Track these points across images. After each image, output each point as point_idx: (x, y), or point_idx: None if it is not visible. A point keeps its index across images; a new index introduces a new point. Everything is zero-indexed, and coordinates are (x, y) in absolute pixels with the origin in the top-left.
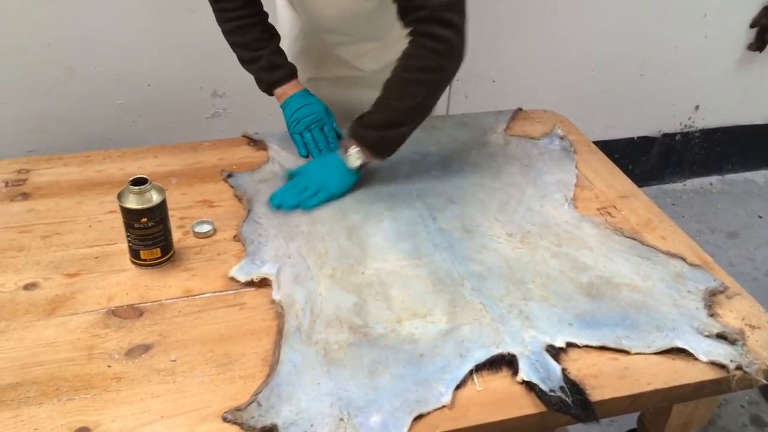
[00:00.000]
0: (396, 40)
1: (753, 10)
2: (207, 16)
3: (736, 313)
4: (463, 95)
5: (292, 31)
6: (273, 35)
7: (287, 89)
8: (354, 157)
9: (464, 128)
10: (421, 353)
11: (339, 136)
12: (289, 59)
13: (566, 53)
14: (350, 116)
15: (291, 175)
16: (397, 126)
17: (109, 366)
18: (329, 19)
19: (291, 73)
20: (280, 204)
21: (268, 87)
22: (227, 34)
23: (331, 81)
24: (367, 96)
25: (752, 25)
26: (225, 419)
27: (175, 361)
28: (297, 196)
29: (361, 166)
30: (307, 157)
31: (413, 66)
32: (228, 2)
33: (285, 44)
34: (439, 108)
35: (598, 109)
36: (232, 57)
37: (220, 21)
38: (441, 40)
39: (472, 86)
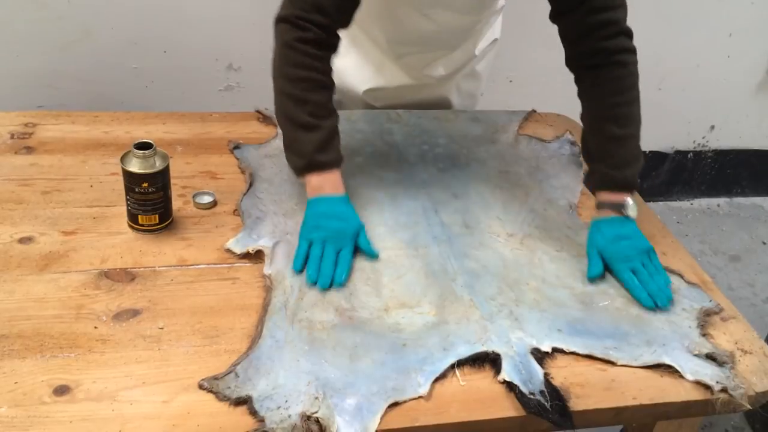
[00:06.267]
0: (465, 47)
1: None
2: None
3: (729, 336)
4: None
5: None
6: (335, 110)
7: (325, 184)
8: (631, 206)
9: (476, 124)
10: (404, 342)
11: (373, 255)
12: (334, 77)
13: None
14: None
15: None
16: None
17: (95, 327)
18: (419, 33)
19: (338, 161)
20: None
21: (307, 166)
22: (290, 81)
23: (392, 90)
24: (431, 95)
25: None
26: (201, 386)
27: (162, 328)
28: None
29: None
30: (301, 272)
31: (629, 84)
32: (318, 47)
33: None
34: (453, 102)
35: None
36: (250, 32)
37: (289, 64)
38: (632, 51)
39: (488, 84)
